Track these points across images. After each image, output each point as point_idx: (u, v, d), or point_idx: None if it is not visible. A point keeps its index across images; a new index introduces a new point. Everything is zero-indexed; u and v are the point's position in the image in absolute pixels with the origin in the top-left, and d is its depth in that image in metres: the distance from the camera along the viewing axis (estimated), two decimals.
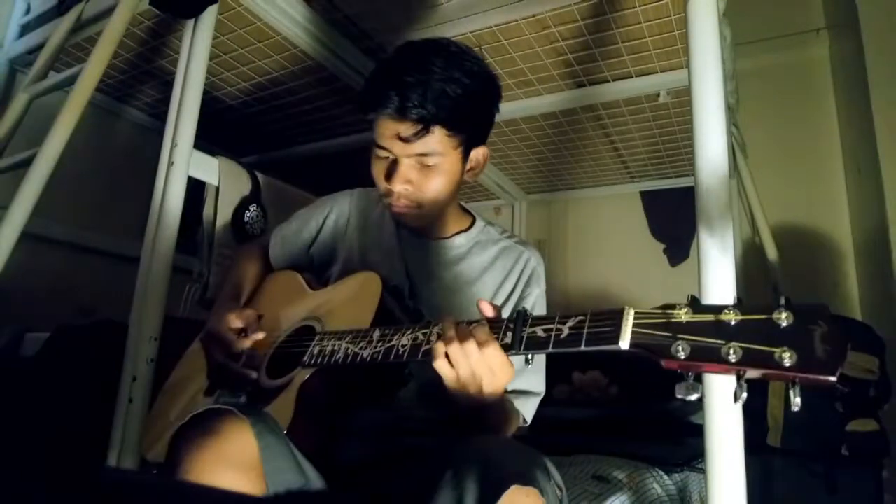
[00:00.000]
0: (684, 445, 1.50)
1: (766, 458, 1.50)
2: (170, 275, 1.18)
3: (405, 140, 0.90)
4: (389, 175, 0.93)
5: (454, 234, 1.06)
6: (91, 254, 1.99)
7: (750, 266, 2.13)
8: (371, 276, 0.94)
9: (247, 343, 0.93)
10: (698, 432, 0.87)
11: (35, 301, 1.78)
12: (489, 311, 0.75)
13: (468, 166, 0.99)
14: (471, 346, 0.70)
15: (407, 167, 0.92)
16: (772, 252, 2.02)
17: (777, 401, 1.52)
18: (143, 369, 1.12)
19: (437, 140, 0.90)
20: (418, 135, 0.89)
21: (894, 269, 1.66)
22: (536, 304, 1.04)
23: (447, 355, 0.72)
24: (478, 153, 1.00)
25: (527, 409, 0.97)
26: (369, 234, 1.09)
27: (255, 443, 0.68)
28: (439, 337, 0.73)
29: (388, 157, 0.94)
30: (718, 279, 0.86)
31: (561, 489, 0.73)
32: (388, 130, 0.91)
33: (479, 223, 1.09)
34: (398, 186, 0.93)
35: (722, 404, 0.83)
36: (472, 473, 0.63)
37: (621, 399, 1.88)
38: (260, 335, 0.94)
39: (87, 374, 1.36)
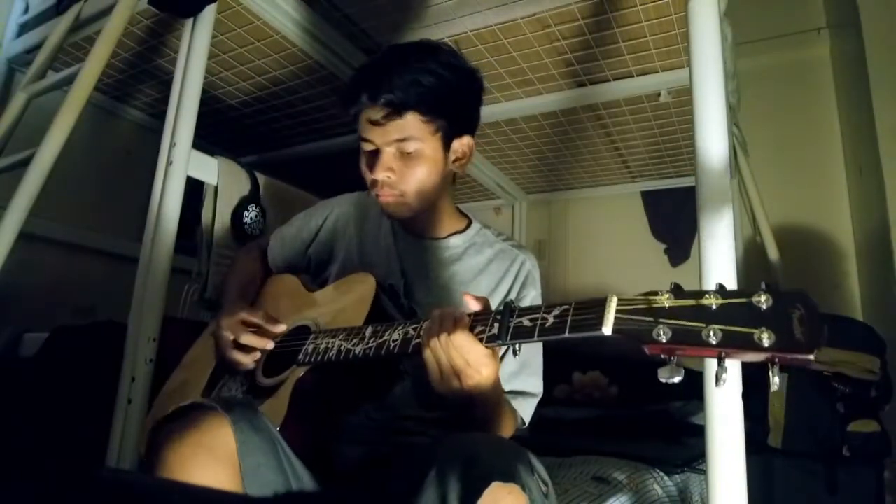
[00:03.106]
0: (685, 446, 1.50)
1: (767, 459, 1.49)
2: (169, 275, 1.18)
3: (376, 123, 0.93)
4: (372, 165, 0.96)
5: (450, 235, 1.08)
6: (90, 254, 1.98)
7: (751, 266, 2.13)
8: (366, 276, 0.95)
9: (259, 342, 0.94)
10: (699, 433, 0.87)
11: (34, 301, 1.77)
12: (474, 305, 0.76)
13: (453, 157, 1.01)
14: (444, 336, 0.72)
15: (388, 155, 0.95)
16: (773, 252, 2.02)
17: (778, 401, 1.52)
18: (141, 370, 1.11)
19: (412, 125, 0.94)
20: (389, 117, 0.92)
21: (895, 269, 1.66)
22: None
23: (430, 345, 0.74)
24: (461, 143, 1.01)
25: (525, 411, 0.97)
26: (367, 235, 1.10)
27: (234, 439, 0.68)
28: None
29: (371, 149, 0.97)
30: (720, 279, 0.86)
31: (546, 484, 0.73)
32: (364, 119, 0.96)
33: (476, 225, 1.11)
34: (380, 174, 0.95)
35: (723, 405, 0.83)
36: (454, 471, 0.63)
37: (621, 400, 1.88)
38: (282, 328, 0.96)
39: (86, 375, 1.35)
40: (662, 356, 0.57)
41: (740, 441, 0.82)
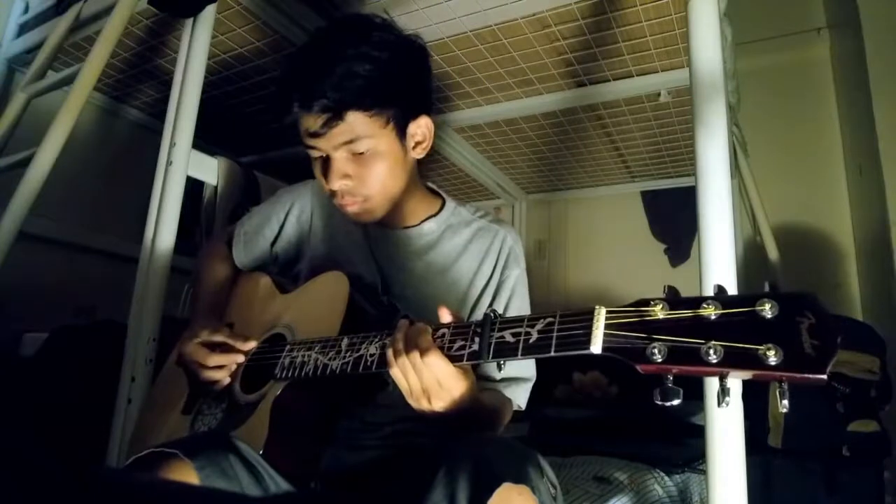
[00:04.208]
0: (685, 446, 1.50)
1: (767, 459, 1.49)
2: (168, 275, 1.18)
3: (316, 135, 0.84)
4: (326, 174, 0.88)
5: (423, 221, 1.00)
6: (90, 254, 1.98)
7: (751, 266, 2.13)
8: (338, 276, 0.89)
9: (228, 359, 0.89)
10: (699, 433, 0.87)
11: (34, 301, 1.77)
12: (447, 317, 0.72)
13: (412, 143, 0.92)
14: (415, 355, 0.68)
15: (340, 161, 0.86)
16: (773, 252, 2.02)
17: (777, 399, 1.51)
18: (141, 370, 1.12)
19: (358, 124, 0.84)
20: (329, 124, 0.83)
21: (895, 269, 1.66)
22: (517, 286, 0.99)
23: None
24: (418, 126, 0.92)
25: (519, 396, 0.95)
26: (335, 229, 1.03)
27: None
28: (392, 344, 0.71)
29: (320, 156, 0.88)
30: (719, 280, 0.86)
31: (555, 486, 0.72)
32: (303, 128, 0.86)
33: (450, 205, 1.03)
34: (336, 183, 0.87)
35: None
36: (464, 471, 0.62)
37: (622, 399, 1.88)
38: (250, 345, 0.90)
39: (86, 375, 1.35)
40: (658, 374, 0.52)
41: (740, 441, 0.82)
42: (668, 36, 1.45)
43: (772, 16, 2.33)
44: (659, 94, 1.71)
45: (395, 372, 0.70)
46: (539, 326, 0.62)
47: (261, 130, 2.13)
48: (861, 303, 2.00)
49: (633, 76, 1.65)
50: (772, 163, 2.21)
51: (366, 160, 0.87)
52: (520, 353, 0.62)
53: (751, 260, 2.15)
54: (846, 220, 2.10)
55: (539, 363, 1.00)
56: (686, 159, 2.18)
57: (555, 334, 0.60)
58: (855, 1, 1.90)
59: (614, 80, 1.67)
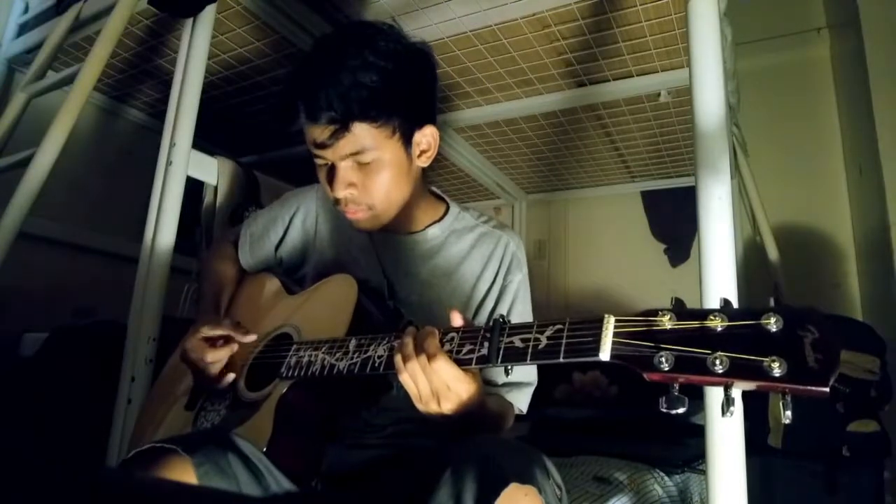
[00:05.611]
0: (685, 446, 1.50)
1: (767, 459, 1.49)
2: (168, 275, 1.18)
3: (322, 146, 0.85)
4: (331, 181, 0.89)
5: (427, 226, 1.01)
6: (90, 254, 1.98)
7: (751, 266, 2.13)
8: (346, 279, 0.90)
9: (227, 352, 0.89)
10: (699, 433, 0.87)
11: (34, 301, 1.77)
12: (458, 321, 0.72)
13: (417, 151, 0.93)
14: (424, 359, 0.68)
15: (345, 170, 0.88)
16: (773, 252, 2.02)
17: (778, 401, 1.52)
18: (141, 370, 1.12)
19: (364, 135, 0.85)
20: (335, 136, 0.84)
21: (895, 269, 1.66)
22: (519, 290, 1.00)
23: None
24: (423, 135, 0.92)
25: (520, 400, 0.95)
26: (341, 233, 1.04)
27: (197, 483, 0.65)
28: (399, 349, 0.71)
29: (325, 164, 0.90)
30: (719, 280, 0.86)
31: (560, 488, 0.72)
32: (309, 137, 0.87)
33: (454, 210, 1.04)
34: (341, 192, 0.88)
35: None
36: (470, 472, 0.62)
37: (622, 399, 1.88)
38: (251, 337, 0.91)
39: (86, 375, 1.35)
40: (664, 383, 0.54)
41: (740, 441, 0.83)
42: (668, 36, 1.45)
43: (772, 16, 2.33)
44: (659, 94, 1.71)
45: (405, 377, 0.70)
46: (548, 333, 0.63)
47: (261, 130, 2.13)
48: (861, 303, 2.00)
49: (633, 76, 1.65)
50: (772, 163, 2.21)
51: (371, 170, 0.88)
52: (529, 358, 0.63)
53: (751, 260, 2.15)
54: (846, 220, 2.10)
55: None
56: (686, 159, 2.18)
57: (564, 341, 0.61)
58: (855, 1, 1.90)
59: (614, 80, 1.67)
